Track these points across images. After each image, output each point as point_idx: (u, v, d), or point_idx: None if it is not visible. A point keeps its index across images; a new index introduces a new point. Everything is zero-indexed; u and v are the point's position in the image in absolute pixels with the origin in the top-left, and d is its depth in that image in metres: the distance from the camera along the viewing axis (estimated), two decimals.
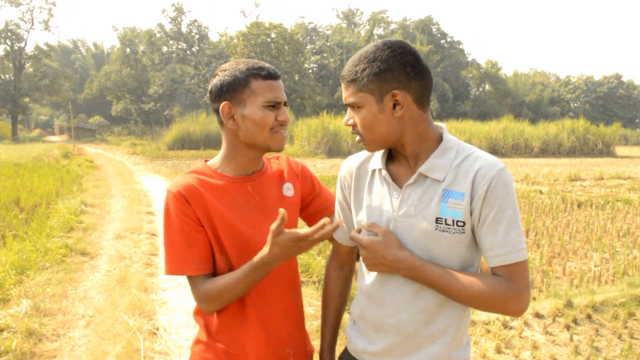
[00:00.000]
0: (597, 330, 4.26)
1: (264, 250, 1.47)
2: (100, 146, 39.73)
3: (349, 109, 1.51)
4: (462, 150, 1.48)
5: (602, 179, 16.55)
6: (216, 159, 1.65)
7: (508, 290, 1.39)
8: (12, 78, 57.88)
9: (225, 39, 64.63)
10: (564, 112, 68.52)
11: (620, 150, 37.13)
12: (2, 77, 58.20)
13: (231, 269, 1.55)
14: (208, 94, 1.64)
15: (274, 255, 1.46)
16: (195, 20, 62.53)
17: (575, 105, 76.16)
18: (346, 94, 1.49)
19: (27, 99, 59.50)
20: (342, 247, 1.77)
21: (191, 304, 4.85)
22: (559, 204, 10.62)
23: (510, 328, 4.33)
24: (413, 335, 1.49)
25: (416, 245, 1.46)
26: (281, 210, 1.40)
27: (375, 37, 68.25)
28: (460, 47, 66.82)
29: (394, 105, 1.44)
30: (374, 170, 1.59)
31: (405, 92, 1.42)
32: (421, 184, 1.47)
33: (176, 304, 4.82)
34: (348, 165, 1.69)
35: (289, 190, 1.71)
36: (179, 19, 61.40)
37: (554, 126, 34.04)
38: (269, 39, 50.39)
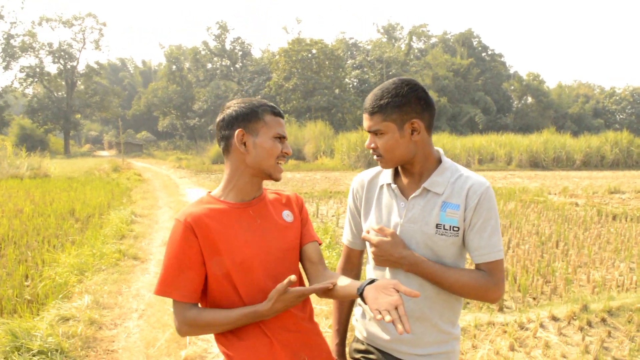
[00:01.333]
0: (609, 333, 4.47)
1: (265, 305, 1.61)
2: (147, 160, 41.12)
3: (370, 135, 1.83)
4: (456, 170, 1.85)
5: None
6: (218, 189, 1.80)
7: (489, 282, 1.76)
8: (65, 95, 60.50)
9: (268, 55, 65.91)
10: (609, 124, 66.80)
11: None
12: (56, 95, 60.89)
13: (235, 289, 1.68)
14: (217, 124, 1.81)
15: (274, 310, 1.62)
16: (239, 38, 64.11)
17: (621, 117, 74.16)
18: (370, 122, 1.79)
19: (78, 116, 62.09)
20: (354, 251, 2.09)
21: None
22: (593, 215, 10.64)
23: (526, 329, 4.56)
24: (420, 318, 1.83)
25: (419, 245, 1.81)
26: (292, 277, 1.56)
27: (416, 50, 68.36)
28: (502, 59, 66.17)
29: (412, 132, 1.78)
30: (382, 185, 1.94)
31: (420, 121, 1.78)
32: (424, 196, 1.82)
33: None
34: (360, 179, 2.03)
35: (288, 216, 1.85)
36: (222, 36, 63.09)
37: (597, 138, 33.32)
38: (310, 55, 51.17)
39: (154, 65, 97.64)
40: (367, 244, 1.90)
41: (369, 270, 2.00)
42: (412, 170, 1.86)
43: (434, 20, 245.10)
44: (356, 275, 2.10)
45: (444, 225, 1.78)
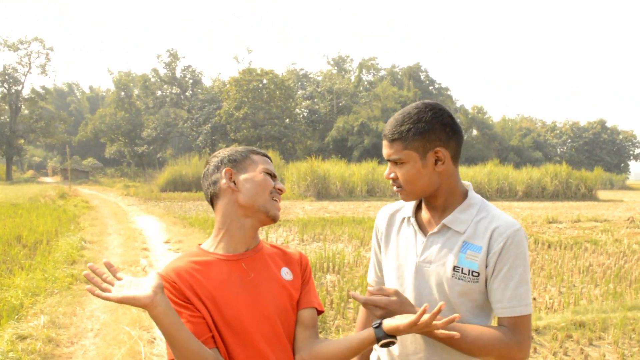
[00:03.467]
0: (535, 349, 4.93)
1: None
2: (94, 187, 40.40)
3: (390, 164, 1.68)
4: (483, 207, 1.66)
5: (579, 221, 17.25)
6: (209, 240, 1.66)
7: (512, 340, 1.54)
8: (8, 120, 58.84)
9: (218, 84, 66.22)
10: (550, 156, 69.96)
11: (603, 194, 38.06)
12: None
13: (227, 351, 1.52)
14: (203, 177, 1.70)
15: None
16: (190, 66, 64.28)
17: (562, 150, 77.90)
18: (390, 150, 1.64)
19: (21, 141, 60.35)
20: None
21: None
22: (530, 244, 11.28)
23: None
24: None
25: (433, 289, 1.63)
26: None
27: (365, 83, 70.11)
28: (448, 93, 68.67)
29: (436, 161, 1.62)
30: (404, 219, 1.79)
31: (445, 150, 1.61)
32: (444, 233, 1.65)
33: None
34: (383, 213, 1.89)
35: (287, 274, 1.68)
36: (173, 64, 63.10)
37: (538, 171, 34.88)
38: (260, 85, 51.83)
39: (102, 91, 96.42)
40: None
41: None
42: (434, 204, 1.70)
43: (383, 54, 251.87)
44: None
45: (462, 269, 1.59)
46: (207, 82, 71.39)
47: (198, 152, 49.64)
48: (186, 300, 1.48)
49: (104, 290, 1.33)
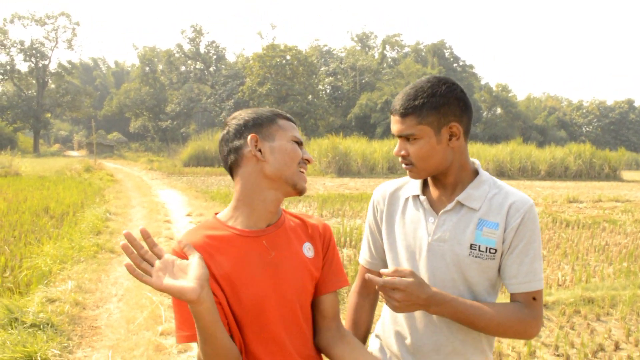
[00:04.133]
0: (543, 323, 5.08)
1: None
2: (118, 162, 41.08)
3: (400, 140, 1.60)
4: (494, 184, 1.63)
5: (600, 201, 17.12)
6: (226, 211, 1.51)
7: (528, 316, 1.53)
8: (35, 94, 59.90)
9: (242, 60, 66.26)
10: (575, 136, 68.92)
11: (628, 174, 37.49)
12: (26, 93, 60.28)
13: (241, 336, 1.42)
14: (221, 140, 1.53)
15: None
16: (213, 41, 64.37)
17: (587, 129, 76.59)
18: (402, 126, 1.56)
19: (48, 115, 61.47)
20: (372, 273, 1.81)
21: None
22: (548, 222, 11.29)
23: None
24: (451, 353, 1.61)
25: (449, 268, 1.58)
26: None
27: (389, 59, 69.48)
28: (473, 70, 67.75)
29: (450, 137, 1.56)
30: (408, 197, 1.71)
31: (459, 125, 1.56)
32: (457, 211, 1.60)
33: None
34: (382, 191, 1.79)
35: (309, 250, 1.55)
36: (197, 39, 63.26)
37: (561, 150, 34.47)
38: (284, 61, 51.72)
39: (127, 66, 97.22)
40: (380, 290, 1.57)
41: (386, 308, 1.77)
42: (444, 182, 1.64)
43: (407, 30, 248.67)
44: (373, 302, 1.87)
45: (479, 246, 1.55)
46: (230, 57, 71.50)
47: (221, 128, 49.99)
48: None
49: (143, 270, 1.22)
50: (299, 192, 1.49)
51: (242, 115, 1.52)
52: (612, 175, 33.45)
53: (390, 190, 1.77)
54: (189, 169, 29.93)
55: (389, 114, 1.63)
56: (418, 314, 1.63)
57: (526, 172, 31.82)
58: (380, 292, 1.56)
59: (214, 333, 1.27)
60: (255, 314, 1.40)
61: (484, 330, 1.53)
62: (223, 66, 63.97)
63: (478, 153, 32.15)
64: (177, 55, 64.04)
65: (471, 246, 1.55)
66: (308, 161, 1.52)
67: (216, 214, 1.53)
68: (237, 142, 1.48)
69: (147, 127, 64.56)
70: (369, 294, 1.85)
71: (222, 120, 55.62)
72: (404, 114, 1.55)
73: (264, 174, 1.45)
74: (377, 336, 1.85)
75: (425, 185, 1.71)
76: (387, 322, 1.76)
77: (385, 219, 1.75)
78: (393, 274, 1.49)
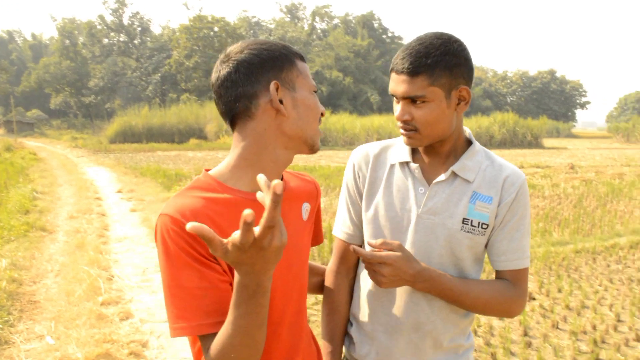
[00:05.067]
0: None
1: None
2: (40, 140, 39.43)
3: (404, 103, 1.42)
4: (487, 155, 1.53)
5: (522, 167, 18.20)
6: (223, 167, 1.25)
7: (515, 294, 1.48)
8: None
9: (168, 32, 64.45)
10: (500, 105, 71.68)
11: (549, 142, 39.62)
12: None
13: None
14: (221, 80, 1.20)
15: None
16: (137, 13, 62.26)
17: (512, 99, 79.84)
18: (410, 87, 1.38)
19: None
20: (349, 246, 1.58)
21: (139, 260, 5.98)
22: None
23: None
24: (431, 331, 1.51)
25: (438, 242, 1.46)
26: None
27: (319, 31, 69.52)
28: (401, 42, 68.88)
29: (459, 101, 1.43)
30: (394, 164, 1.55)
31: (468, 88, 1.42)
32: (450, 182, 1.47)
33: (127, 262, 5.95)
34: (364, 153, 1.61)
35: (306, 212, 1.40)
36: (120, 10, 60.95)
37: (486, 119, 35.87)
38: (212, 33, 50.82)
39: (45, 39, 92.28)
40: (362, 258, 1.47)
41: (364, 279, 1.60)
42: (439, 150, 1.51)
43: (336, 2, 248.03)
44: (352, 281, 1.66)
45: (471, 221, 1.46)
46: (156, 29, 69.61)
47: (148, 103, 48.77)
48: (210, 255, 1.09)
49: None
50: (315, 151, 1.31)
51: (252, 49, 1.21)
52: (535, 142, 35.24)
53: (374, 153, 1.59)
54: (116, 146, 29.24)
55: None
56: (399, 290, 1.52)
57: None
58: (363, 266, 1.47)
59: (265, 312, 1.03)
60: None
61: (470, 308, 1.48)
62: (148, 39, 62.03)
63: None
64: (99, 27, 61.52)
65: (463, 220, 1.45)
66: (322, 114, 1.31)
67: (207, 170, 1.26)
68: (250, 88, 1.18)
69: (69, 103, 61.94)
70: (349, 272, 1.64)
71: (148, 95, 54.29)
72: (414, 73, 1.37)
73: (283, 130, 1.22)
74: (352, 315, 1.66)
75: (414, 152, 1.55)
76: (362, 299, 1.61)
77: (368, 186, 1.57)
78: (381, 246, 1.40)
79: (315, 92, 1.29)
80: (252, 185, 1.22)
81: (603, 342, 4.05)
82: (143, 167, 16.23)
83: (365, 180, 1.57)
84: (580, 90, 79.97)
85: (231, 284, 1.12)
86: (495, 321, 4.39)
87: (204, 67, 49.25)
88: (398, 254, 1.39)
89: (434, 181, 1.48)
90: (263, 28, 68.67)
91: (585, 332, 4.20)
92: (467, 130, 1.56)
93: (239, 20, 66.32)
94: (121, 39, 62.37)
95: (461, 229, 1.45)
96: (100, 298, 4.63)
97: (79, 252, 6.12)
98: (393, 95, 1.45)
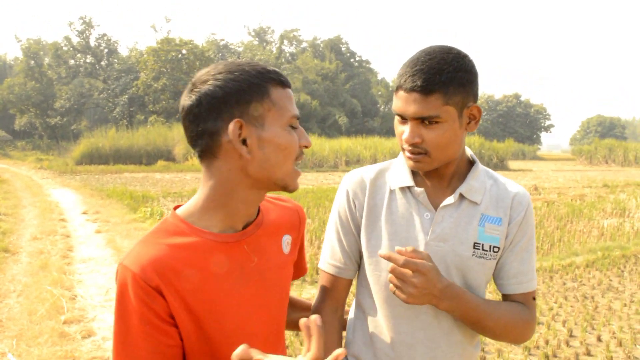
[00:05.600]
0: None
1: None
2: (4, 161, 38.65)
3: (413, 124, 1.30)
4: (489, 174, 1.45)
5: None
6: (192, 207, 1.15)
7: (529, 317, 1.39)
8: None
9: (135, 54, 64.18)
10: None
11: (515, 164, 40.57)
12: None
13: None
14: (186, 111, 1.12)
15: None
16: (105, 34, 61.81)
17: None
18: (422, 106, 1.26)
19: None
20: (341, 282, 1.49)
21: (104, 281, 6.04)
22: None
23: None
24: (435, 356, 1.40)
25: (448, 272, 1.37)
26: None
27: (287, 54, 70.14)
28: (369, 66, 69.93)
29: (469, 120, 1.35)
30: (394, 189, 1.44)
31: (478, 106, 1.34)
32: (457, 206, 1.39)
33: (91, 282, 6.01)
34: (359, 178, 1.48)
35: (287, 245, 1.30)
36: (87, 32, 60.51)
37: None
38: (180, 55, 50.86)
39: (9, 60, 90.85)
40: (378, 275, 1.41)
41: (365, 315, 1.49)
42: (444, 172, 1.41)
43: (304, 25, 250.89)
44: (342, 315, 1.52)
45: (482, 245, 1.37)
46: (123, 51, 68.91)
47: (115, 124, 48.31)
48: (169, 316, 1.04)
49: None
50: (291, 191, 1.18)
51: (218, 79, 1.08)
52: (500, 164, 36.10)
53: (370, 178, 1.47)
54: (82, 167, 28.89)
55: (396, 91, 1.32)
56: (413, 326, 1.39)
57: None
58: (390, 279, 1.27)
59: None
60: (239, 339, 1.02)
61: (488, 332, 1.36)
62: (115, 60, 61.63)
63: (376, 146, 33.58)
64: (65, 48, 60.92)
65: (474, 245, 1.36)
66: (306, 147, 1.17)
67: (175, 208, 1.17)
68: (212, 124, 1.07)
69: (34, 124, 60.91)
70: (337, 310, 1.49)
71: (115, 117, 53.85)
72: (428, 91, 1.25)
73: (247, 173, 1.11)
74: (349, 340, 1.53)
75: (414, 174, 1.44)
76: (358, 329, 1.49)
77: (366, 214, 1.45)
78: (412, 254, 1.23)
79: (295, 121, 1.15)
80: (222, 226, 1.14)
81: (555, 356, 4.26)
82: (109, 188, 16.13)
83: (362, 208, 1.46)
84: (545, 113, 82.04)
85: (181, 350, 1.08)
86: None
87: (172, 89, 49.18)
88: (431, 264, 1.25)
89: (441, 205, 1.38)
90: (232, 51, 68.95)
91: (537, 347, 4.40)
92: (468, 150, 1.47)
93: (208, 43, 66.49)
94: (88, 60, 61.83)
95: (473, 255, 1.37)
96: (63, 317, 4.70)
97: (42, 273, 6.15)
98: (399, 115, 1.34)
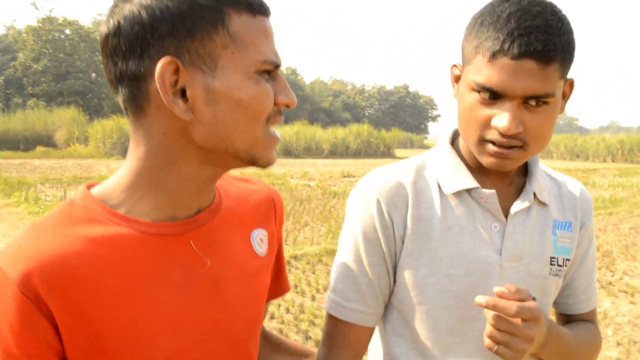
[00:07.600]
0: (290, 270, 5.94)
1: None
2: None
3: (514, 107, 0.92)
4: (543, 167, 1.16)
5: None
6: (113, 185, 0.80)
7: (599, 336, 1.17)
8: None
9: (13, 33, 59.77)
10: (359, 117, 74.98)
11: (402, 152, 42.17)
12: None
13: None
14: (107, 50, 0.75)
15: None
16: None
17: (370, 112, 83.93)
18: (536, 80, 0.90)
19: None
20: (363, 331, 1.08)
21: None
22: (318, 194, 12.53)
23: None
24: None
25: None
26: None
27: None
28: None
29: (563, 97, 1.00)
30: (448, 194, 1.06)
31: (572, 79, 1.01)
32: (528, 211, 1.07)
33: None
34: (395, 183, 1.07)
35: (261, 242, 0.93)
36: None
37: (343, 130, 37.55)
38: (63, 36, 48.07)
39: None
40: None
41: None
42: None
43: None
44: None
45: (557, 259, 1.08)
46: None
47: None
48: (56, 346, 0.70)
49: None
50: (262, 167, 0.83)
51: None
52: (387, 152, 37.42)
53: (410, 181, 1.08)
54: None
55: (492, 57, 0.90)
56: None
57: (311, 152, 34.02)
58: (491, 334, 0.91)
59: None
60: None
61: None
62: None
63: None
64: None
65: (551, 260, 1.07)
66: (287, 106, 0.83)
67: (89, 187, 0.81)
68: (134, 64, 0.73)
69: None
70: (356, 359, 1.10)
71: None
72: (549, 58, 0.89)
73: (190, 138, 0.76)
74: None
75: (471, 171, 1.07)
76: None
77: (412, 233, 1.05)
78: (517, 295, 0.89)
79: (270, 66, 0.77)
80: (157, 213, 0.78)
81: None
82: None
83: (404, 225, 1.05)
84: (432, 104, 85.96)
85: None
86: None
87: (54, 72, 46.36)
88: (538, 305, 0.91)
89: (512, 212, 1.05)
90: None
91: None
92: None
93: (94, 24, 63.14)
94: None
95: (549, 273, 1.07)
96: None
97: None
98: (490, 92, 0.93)
